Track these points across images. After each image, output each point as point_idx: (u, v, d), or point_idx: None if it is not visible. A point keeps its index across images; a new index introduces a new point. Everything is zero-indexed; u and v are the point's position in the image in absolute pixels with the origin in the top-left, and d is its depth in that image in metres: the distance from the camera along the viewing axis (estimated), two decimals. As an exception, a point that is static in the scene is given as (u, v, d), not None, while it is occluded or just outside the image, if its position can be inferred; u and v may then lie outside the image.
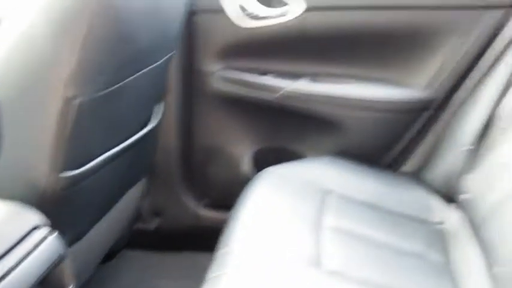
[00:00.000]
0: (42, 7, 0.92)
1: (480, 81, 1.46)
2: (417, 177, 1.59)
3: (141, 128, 1.34)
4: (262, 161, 1.55)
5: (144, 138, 1.35)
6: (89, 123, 1.02)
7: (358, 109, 1.54)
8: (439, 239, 1.34)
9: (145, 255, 1.72)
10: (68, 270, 0.98)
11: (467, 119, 1.44)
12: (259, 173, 1.40)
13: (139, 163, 1.47)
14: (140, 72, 1.18)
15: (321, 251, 1.12)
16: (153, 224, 1.73)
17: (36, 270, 0.88)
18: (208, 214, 1.73)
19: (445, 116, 1.53)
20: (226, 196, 1.48)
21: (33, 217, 0.92)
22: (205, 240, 1.32)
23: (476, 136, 1.38)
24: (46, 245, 0.93)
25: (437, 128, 1.55)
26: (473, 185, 1.31)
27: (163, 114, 1.50)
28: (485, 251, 1.15)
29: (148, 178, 1.61)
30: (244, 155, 1.67)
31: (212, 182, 1.72)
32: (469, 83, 1.48)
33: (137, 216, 1.65)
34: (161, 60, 1.32)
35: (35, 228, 0.91)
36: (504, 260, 1.03)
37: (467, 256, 1.24)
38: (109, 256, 1.55)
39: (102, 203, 1.26)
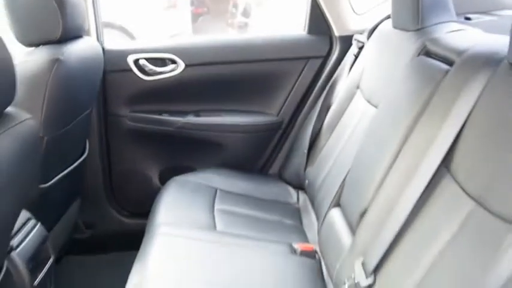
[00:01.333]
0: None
1: (310, 107, 2.15)
2: (279, 175, 2.24)
3: (78, 158, 1.85)
4: (167, 176, 2.08)
5: (79, 166, 1.86)
6: (53, 152, 1.53)
7: (232, 132, 2.15)
8: (294, 213, 1.98)
9: (83, 259, 2.14)
10: (49, 247, 1.49)
11: (305, 132, 2.12)
12: (167, 182, 1.96)
13: (76, 185, 1.97)
14: (79, 117, 1.71)
15: (215, 222, 1.71)
16: (87, 234, 2.19)
17: (30, 246, 1.38)
18: (130, 221, 2.22)
19: (292, 132, 2.20)
20: (143, 205, 2.02)
21: (26, 213, 1.42)
22: (129, 241, 1.75)
23: (311, 143, 2.06)
24: (36, 230, 1.43)
25: (288, 140, 2.22)
26: (310, 174, 1.98)
27: (90, 148, 2.00)
28: (316, 214, 1.80)
29: (81, 198, 2.08)
30: (153, 173, 2.21)
31: (130, 196, 2.22)
32: (304, 109, 2.17)
33: (75, 228, 2.11)
34: (90, 109, 1.85)
35: (28, 219, 1.42)
36: (322, 216, 1.67)
37: (310, 220, 1.89)
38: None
39: (59, 210, 1.75)
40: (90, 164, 2.05)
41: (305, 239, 1.75)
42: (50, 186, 1.57)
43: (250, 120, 2.17)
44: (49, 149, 1.50)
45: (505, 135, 0.95)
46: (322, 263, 1.56)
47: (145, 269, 1.37)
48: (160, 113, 2.14)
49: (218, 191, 1.94)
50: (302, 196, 2.07)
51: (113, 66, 2.05)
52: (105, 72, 2.01)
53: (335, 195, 1.60)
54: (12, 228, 1.24)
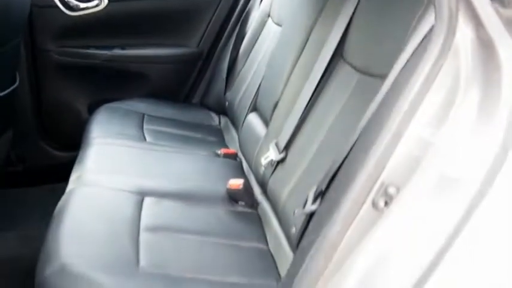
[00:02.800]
0: None
1: (227, 38, 2.36)
2: (201, 103, 2.44)
3: (8, 88, 1.94)
4: (95, 109, 2.19)
5: (9, 96, 1.95)
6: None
7: (156, 63, 2.31)
8: (217, 132, 2.18)
9: (17, 191, 2.21)
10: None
11: (223, 61, 2.33)
12: (97, 109, 2.10)
13: (7, 115, 2.05)
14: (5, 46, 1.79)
15: (145, 136, 1.89)
16: (19, 167, 2.29)
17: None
18: (61, 154, 2.33)
19: (211, 61, 2.40)
20: (73, 138, 2.13)
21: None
22: (61, 174, 1.77)
23: (229, 70, 2.28)
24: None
25: (208, 70, 2.42)
26: (229, 96, 2.20)
27: (19, 82, 2.08)
28: (236, 124, 2.03)
29: (13, 131, 2.17)
30: (82, 106, 2.32)
31: (61, 129, 2.33)
32: (222, 40, 2.37)
33: (7, 162, 2.20)
34: (18, 40, 1.94)
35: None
36: (241, 122, 1.90)
37: (232, 137, 2.12)
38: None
39: None
40: (20, 96, 2.13)
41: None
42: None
43: (172, 52, 2.33)
44: None
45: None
46: (243, 162, 1.80)
47: (84, 167, 1.53)
48: (87, 47, 2.24)
49: (145, 115, 2.11)
50: (223, 119, 2.29)
51: (39, 1, 2.11)
52: (32, 7, 2.08)
53: (251, 102, 1.83)
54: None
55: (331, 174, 1.01)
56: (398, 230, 0.81)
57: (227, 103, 2.20)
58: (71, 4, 2.17)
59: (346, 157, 0.97)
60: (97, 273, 1.02)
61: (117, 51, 2.26)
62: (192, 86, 2.43)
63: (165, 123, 2.08)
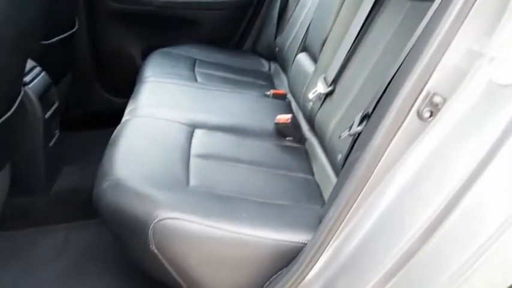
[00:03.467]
0: None
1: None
2: (252, 50, 2.46)
3: (69, 30, 2.02)
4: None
5: (70, 38, 2.03)
6: (48, 13, 1.70)
7: (208, 9, 2.33)
8: (267, 77, 2.20)
9: (78, 134, 2.31)
10: (54, 94, 1.69)
11: (274, 7, 2.33)
12: (151, 53, 2.16)
13: (68, 58, 2.14)
14: None
15: (196, 77, 1.93)
16: (79, 111, 2.40)
17: (39, 85, 1.57)
18: (117, 100, 2.41)
19: (262, 8, 2.40)
20: (128, 84, 2.20)
21: (32, 62, 1.61)
22: (117, 119, 1.75)
23: (279, 15, 2.28)
24: (42, 75, 1.62)
25: (259, 16, 2.42)
26: (280, 41, 2.20)
27: (78, 27, 2.16)
28: (285, 66, 2.04)
29: (72, 77, 2.26)
30: (136, 53, 2.39)
31: (116, 75, 2.41)
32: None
33: (67, 106, 2.30)
34: None
35: (34, 67, 1.61)
36: (290, 63, 1.91)
37: (281, 80, 2.13)
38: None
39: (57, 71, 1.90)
40: (78, 42, 2.22)
41: (277, 90, 2.00)
42: (49, 44, 1.76)
43: (223, -1, 2.35)
44: (44, 7, 1.67)
45: None
46: (292, 102, 1.82)
47: (138, 101, 1.59)
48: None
49: (197, 60, 2.15)
50: (273, 65, 2.30)
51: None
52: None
53: (300, 43, 1.83)
54: (25, 62, 1.42)
55: (378, 96, 1.01)
56: (443, 141, 0.81)
57: (277, 48, 2.20)
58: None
59: (393, 78, 0.97)
60: (148, 187, 1.08)
61: (169, -2, 2.30)
62: (243, 32, 2.44)
63: (215, 68, 2.12)
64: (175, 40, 2.35)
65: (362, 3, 1.40)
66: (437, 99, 0.80)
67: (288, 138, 1.53)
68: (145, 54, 2.35)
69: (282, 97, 1.85)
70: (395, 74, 0.96)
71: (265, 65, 2.32)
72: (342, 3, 1.52)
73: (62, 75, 2.10)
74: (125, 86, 2.33)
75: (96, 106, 2.43)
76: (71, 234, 1.62)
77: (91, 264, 1.50)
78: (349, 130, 1.08)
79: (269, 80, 2.16)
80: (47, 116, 1.57)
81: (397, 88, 0.86)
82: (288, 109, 1.75)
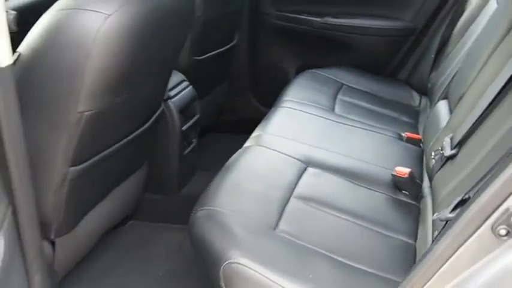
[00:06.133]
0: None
1: (444, 14, 2.20)
2: (406, 81, 2.36)
3: (228, 44, 2.17)
4: (302, 71, 2.32)
5: (228, 52, 2.18)
6: (207, 30, 1.86)
7: (366, 34, 2.30)
8: (413, 113, 2.10)
9: (226, 136, 2.47)
10: (197, 107, 1.84)
11: (436, 38, 2.20)
12: (300, 73, 2.21)
13: (224, 68, 2.30)
14: (230, 8, 2.02)
15: (335, 106, 1.93)
16: (231, 117, 2.57)
17: (182, 100, 1.73)
18: (267, 110, 2.53)
19: (424, 38, 2.28)
20: (277, 96, 2.29)
21: (181, 76, 1.78)
22: None
23: (439, 49, 2.15)
24: (188, 90, 1.79)
25: (419, 47, 2.31)
26: (433, 78, 2.08)
27: (238, 41, 2.31)
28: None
29: (229, 85, 2.44)
30: (290, 68, 2.47)
31: (268, 87, 2.52)
32: (439, 16, 2.23)
33: (219, 110, 2.48)
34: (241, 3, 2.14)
35: (183, 80, 1.78)
36: (432, 107, 1.80)
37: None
38: (206, 129, 2.34)
39: (208, 84, 2.09)
40: (237, 54, 2.38)
41: (416, 133, 1.90)
42: (202, 59, 1.92)
43: (383, 24, 2.29)
44: (203, 25, 1.83)
45: None
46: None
47: (265, 127, 1.66)
48: (301, 13, 2.35)
49: (344, 85, 2.15)
50: (424, 100, 2.18)
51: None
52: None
53: (445, 88, 1.71)
54: (167, 82, 1.58)
55: (480, 184, 0.92)
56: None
57: (429, 85, 2.09)
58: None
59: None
60: (235, 225, 1.14)
61: (329, 19, 2.32)
62: (399, 61, 2.36)
63: (360, 96, 2.09)
64: (329, 61, 2.37)
65: (507, 63, 1.26)
66: (515, 219, 0.72)
67: (403, 191, 1.46)
68: (298, 71, 2.43)
69: (417, 142, 1.76)
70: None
71: (415, 99, 2.21)
72: (489, 57, 1.39)
73: (214, 86, 2.28)
74: (275, 98, 2.45)
75: (248, 113, 2.57)
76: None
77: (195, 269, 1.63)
78: (441, 213, 1.00)
79: (414, 117, 2.05)
80: (184, 127, 1.73)
81: (484, 185, 0.78)
82: (417, 159, 1.65)
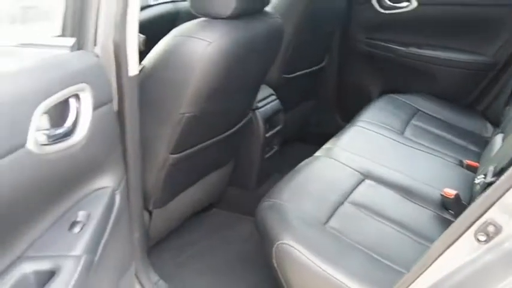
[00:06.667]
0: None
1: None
2: (483, 113, 2.48)
3: (317, 65, 2.45)
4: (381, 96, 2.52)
5: (316, 72, 2.45)
6: (297, 51, 2.14)
7: (448, 66, 2.46)
8: (482, 144, 2.21)
9: (309, 146, 2.75)
10: (281, 119, 2.13)
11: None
12: (379, 97, 2.43)
13: (310, 87, 2.57)
14: (322, 32, 2.30)
15: (405, 130, 2.13)
16: (315, 130, 2.83)
17: (268, 111, 2.03)
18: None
19: (504, 74, 2.39)
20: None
21: (270, 90, 2.08)
22: None
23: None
24: (274, 103, 2.09)
25: (499, 82, 2.42)
26: (508, 112, 2.19)
27: (327, 63, 2.57)
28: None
29: (316, 102, 2.71)
30: (373, 91, 2.68)
31: (351, 107, 2.73)
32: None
33: (307, 124, 2.76)
34: (332, 30, 2.41)
35: (271, 94, 2.07)
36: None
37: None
38: (291, 138, 2.63)
39: (294, 99, 2.39)
40: (326, 73, 2.64)
41: (478, 162, 2.04)
42: (291, 77, 2.22)
43: (465, 58, 2.42)
44: (294, 48, 2.12)
45: None
46: (481, 177, 1.86)
47: (336, 141, 1.91)
48: (388, 41, 2.56)
49: (419, 111, 2.32)
50: (498, 135, 2.29)
51: (360, -1, 2.54)
52: (353, 3, 2.52)
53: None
54: (256, 95, 1.90)
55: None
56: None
57: (502, 118, 2.20)
58: (385, 3, 2.51)
59: None
60: (291, 215, 1.41)
61: (413, 49, 2.50)
62: (478, 94, 2.48)
63: (433, 123, 2.25)
64: (410, 87, 2.56)
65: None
66: (491, 228, 0.92)
67: (450, 211, 1.63)
68: (381, 94, 2.63)
69: (474, 170, 1.90)
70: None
71: (489, 131, 2.33)
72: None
73: (300, 101, 2.55)
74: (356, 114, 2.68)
75: (331, 128, 2.80)
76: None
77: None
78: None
79: (482, 148, 2.17)
80: (268, 134, 2.03)
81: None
82: (468, 183, 1.80)
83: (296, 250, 1.30)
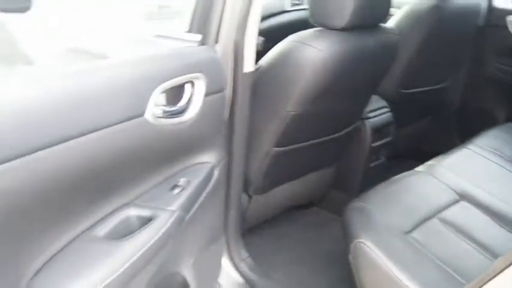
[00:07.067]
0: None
1: None
2: None
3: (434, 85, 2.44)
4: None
5: (435, 92, 2.45)
6: (415, 66, 2.18)
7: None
8: None
9: (417, 164, 2.73)
10: (391, 131, 2.19)
11: None
12: (500, 124, 2.36)
13: (427, 104, 2.56)
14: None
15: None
16: (432, 149, 2.78)
17: (378, 121, 2.10)
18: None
19: None
20: None
21: (384, 102, 2.15)
22: None
23: None
24: (386, 115, 2.15)
25: None
26: None
27: (451, 83, 2.54)
28: None
29: (435, 121, 2.70)
30: (500, 118, 2.59)
31: (475, 131, 2.66)
32: None
33: (421, 141, 2.75)
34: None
35: (384, 106, 2.14)
36: None
37: None
38: (405, 155, 2.65)
39: (411, 115, 2.42)
40: (447, 93, 2.61)
41: None
42: (408, 93, 2.26)
43: None
44: (415, 65, 2.16)
45: None
46: None
47: (442, 159, 1.92)
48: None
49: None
50: None
51: (491, 22, 2.48)
52: (485, 26, 2.47)
53: None
54: (365, 105, 1.98)
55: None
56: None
57: None
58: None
59: None
60: (375, 220, 1.49)
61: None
62: None
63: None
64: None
65: None
66: None
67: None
68: (506, 121, 2.55)
69: None
70: None
71: None
72: None
73: (415, 119, 2.56)
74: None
75: (447, 149, 2.77)
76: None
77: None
78: None
79: None
80: (374, 144, 2.10)
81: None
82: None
83: (372, 251, 1.38)
